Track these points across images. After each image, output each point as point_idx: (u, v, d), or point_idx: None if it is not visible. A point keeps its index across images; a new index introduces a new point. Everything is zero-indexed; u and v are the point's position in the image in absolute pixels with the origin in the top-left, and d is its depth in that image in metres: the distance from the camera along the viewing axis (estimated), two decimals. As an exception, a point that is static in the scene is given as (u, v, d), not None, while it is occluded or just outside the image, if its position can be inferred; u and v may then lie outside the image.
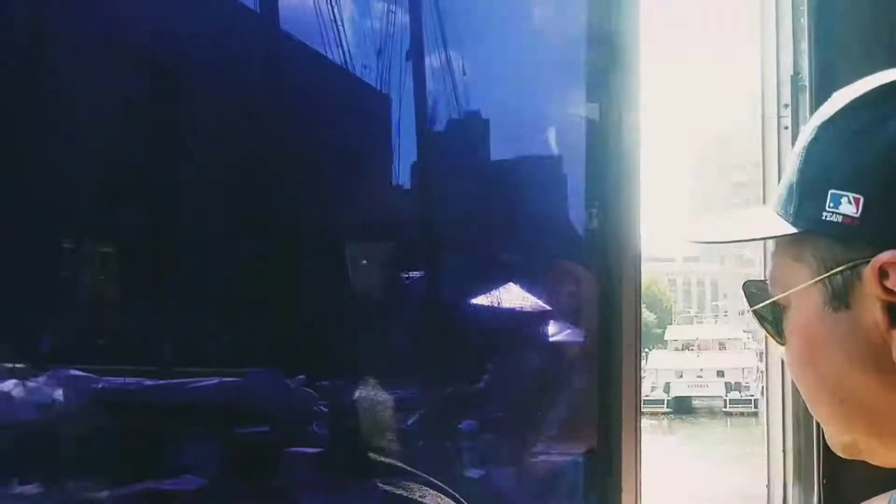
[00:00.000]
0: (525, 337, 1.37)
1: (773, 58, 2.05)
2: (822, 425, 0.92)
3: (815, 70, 1.98)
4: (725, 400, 49.24)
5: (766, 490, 1.92)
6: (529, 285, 1.40)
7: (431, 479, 1.08)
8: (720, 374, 51.40)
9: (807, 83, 1.99)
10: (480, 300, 1.30)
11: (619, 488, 1.22)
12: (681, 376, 54.88)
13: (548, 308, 1.38)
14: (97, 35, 1.21)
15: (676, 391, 53.75)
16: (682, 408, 52.54)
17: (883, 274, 0.73)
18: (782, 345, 0.91)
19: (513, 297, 1.38)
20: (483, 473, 1.14)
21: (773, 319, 0.88)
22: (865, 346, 0.76)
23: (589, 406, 1.32)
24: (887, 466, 0.88)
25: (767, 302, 0.88)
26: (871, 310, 0.75)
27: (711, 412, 49.75)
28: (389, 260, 1.35)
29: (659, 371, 56.37)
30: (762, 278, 0.92)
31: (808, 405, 0.91)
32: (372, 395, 1.12)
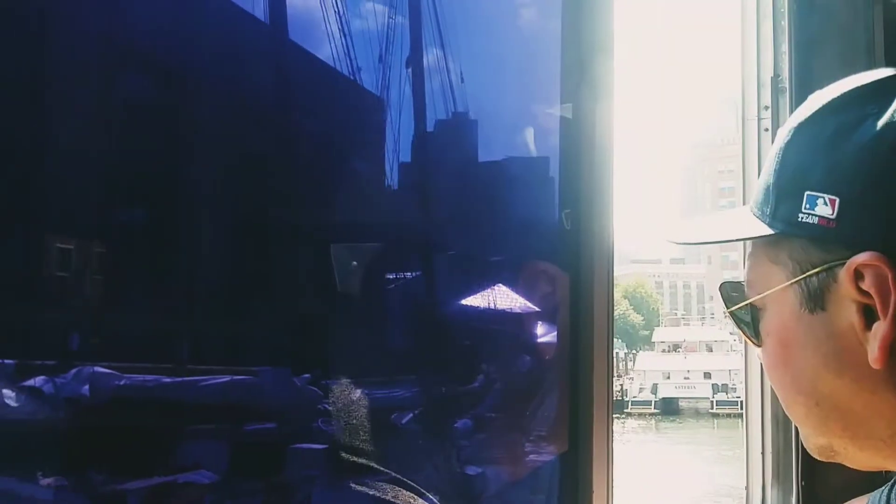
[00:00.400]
0: (498, 338, 1.35)
1: (754, 60, 2.04)
2: (798, 427, 0.90)
3: (795, 72, 1.97)
4: (712, 401, 49.38)
5: (744, 491, 1.91)
6: (502, 286, 1.37)
7: (404, 478, 1.06)
8: (707, 375, 51.58)
9: (787, 85, 1.97)
10: (455, 301, 1.28)
11: (591, 490, 1.19)
12: (668, 378, 55.04)
13: (520, 308, 1.35)
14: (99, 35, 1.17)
15: (664, 392, 53.91)
16: (669, 409, 52.66)
17: (858, 275, 0.72)
18: (759, 346, 0.90)
19: (487, 298, 1.35)
20: (452, 473, 1.12)
21: (749, 321, 0.87)
22: (841, 349, 0.75)
23: (560, 407, 1.30)
24: (863, 469, 0.87)
25: (744, 304, 0.87)
26: (847, 312, 0.74)
27: (698, 413, 49.87)
28: (371, 260, 1.33)
29: (647, 372, 56.53)
30: (739, 280, 0.91)
31: (783, 406, 0.89)
32: (353, 392, 1.10)
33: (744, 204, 1.11)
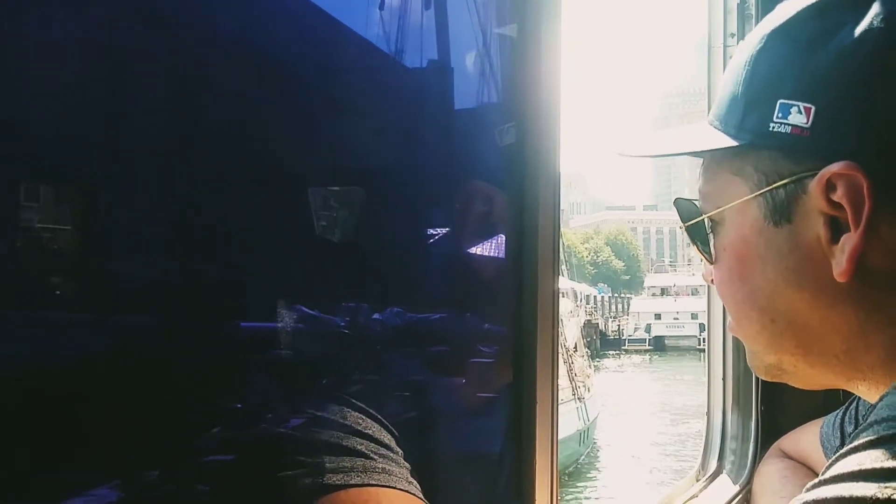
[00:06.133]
0: (434, 262, 1.20)
1: (720, -13, 1.78)
2: (747, 345, 0.78)
3: (762, -2, 1.72)
4: (699, 338, 49.53)
5: (706, 417, 1.73)
6: (440, 209, 1.19)
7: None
8: (694, 316, 51.88)
9: (753, 11, 1.72)
10: (389, 227, 1.10)
11: (534, 421, 1.02)
12: (659, 318, 55.77)
13: (455, 233, 1.19)
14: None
15: (657, 331, 54.67)
16: (661, 345, 53.39)
17: (830, 186, 0.64)
18: (712, 263, 0.78)
19: (428, 224, 1.17)
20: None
21: (705, 235, 0.78)
22: (804, 262, 0.67)
23: (502, 338, 1.12)
24: (810, 388, 0.76)
25: (702, 217, 0.76)
26: (814, 224, 0.66)
27: (688, 349, 50.32)
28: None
29: (640, 314, 57.20)
30: (695, 198, 0.79)
31: (734, 323, 0.78)
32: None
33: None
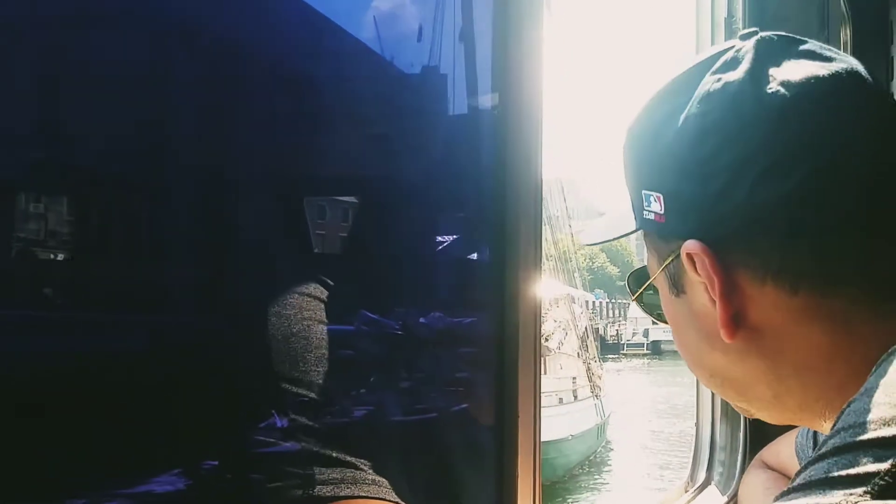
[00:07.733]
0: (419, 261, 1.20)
1: (708, 0, 1.77)
2: None
3: (749, 12, 1.70)
4: (696, 343, 49.53)
5: (694, 429, 1.70)
6: (425, 214, 1.18)
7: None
8: (691, 321, 51.94)
9: (740, 25, 1.71)
10: (368, 231, 1.09)
11: (516, 436, 1.00)
12: (656, 323, 55.77)
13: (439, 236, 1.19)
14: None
15: (654, 336, 54.75)
16: (658, 349, 53.45)
17: (692, 263, 0.67)
18: (666, 323, 0.81)
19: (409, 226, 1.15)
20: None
21: (650, 304, 0.83)
22: (705, 327, 0.71)
23: (485, 340, 1.11)
24: (774, 424, 0.77)
25: (640, 290, 0.83)
26: (699, 294, 0.70)
27: (684, 354, 50.42)
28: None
29: (638, 319, 57.32)
30: (644, 266, 0.83)
31: None
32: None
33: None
